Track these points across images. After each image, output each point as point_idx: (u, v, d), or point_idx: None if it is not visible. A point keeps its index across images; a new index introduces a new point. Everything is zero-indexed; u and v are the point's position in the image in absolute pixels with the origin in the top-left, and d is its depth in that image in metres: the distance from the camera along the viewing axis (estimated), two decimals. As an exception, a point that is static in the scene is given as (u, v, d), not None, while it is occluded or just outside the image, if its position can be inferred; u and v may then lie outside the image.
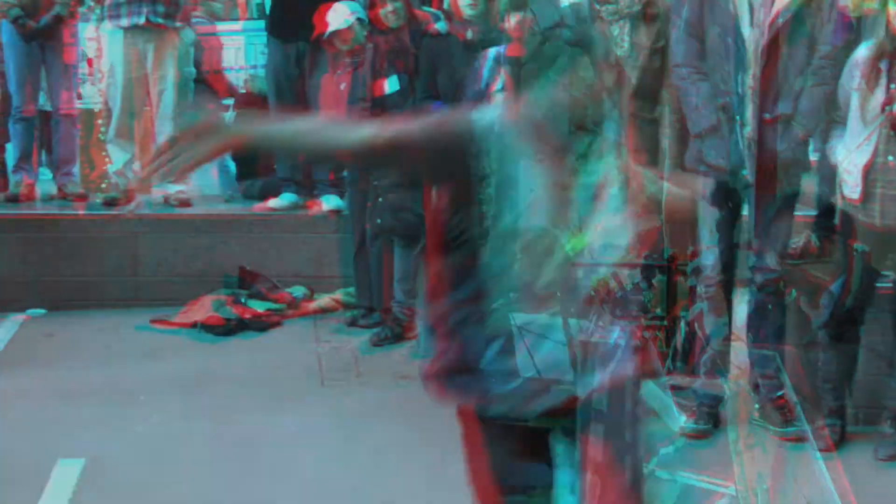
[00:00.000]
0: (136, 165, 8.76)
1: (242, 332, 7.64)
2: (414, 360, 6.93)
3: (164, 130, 8.61)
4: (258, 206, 8.56)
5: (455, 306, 3.10)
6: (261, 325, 7.71)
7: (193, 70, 8.97)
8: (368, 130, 3.02)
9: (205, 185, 9.50)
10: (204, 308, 7.78)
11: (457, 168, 2.99)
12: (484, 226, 3.01)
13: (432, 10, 7.52)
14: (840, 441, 5.38)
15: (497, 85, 6.08)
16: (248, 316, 7.72)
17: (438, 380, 3.15)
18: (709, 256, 5.52)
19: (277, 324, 7.80)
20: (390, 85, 7.03)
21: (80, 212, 8.51)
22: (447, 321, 3.12)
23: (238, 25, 10.00)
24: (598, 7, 5.72)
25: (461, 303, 3.09)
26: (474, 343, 3.08)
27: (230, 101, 9.30)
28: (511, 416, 3.09)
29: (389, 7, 6.95)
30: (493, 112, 3.09)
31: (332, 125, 3.27)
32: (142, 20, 8.36)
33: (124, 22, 8.38)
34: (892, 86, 5.03)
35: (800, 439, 5.42)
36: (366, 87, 7.16)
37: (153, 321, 7.83)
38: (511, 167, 2.99)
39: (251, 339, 7.55)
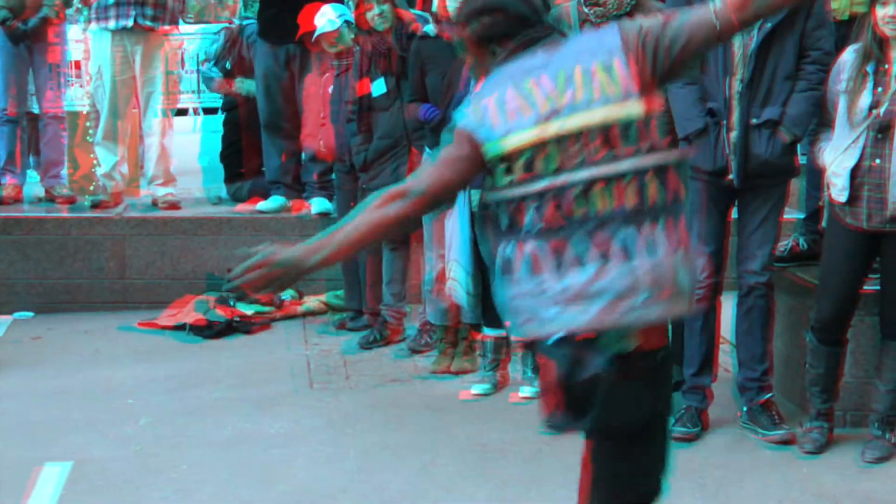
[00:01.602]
0: (124, 167, 8.76)
1: (231, 334, 7.64)
2: (399, 361, 6.94)
3: (151, 132, 8.61)
4: (246, 209, 8.55)
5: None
6: (249, 327, 7.71)
7: (182, 72, 8.95)
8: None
9: (193, 187, 9.50)
10: (189, 309, 7.77)
11: None
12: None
13: (421, 12, 7.52)
14: (827, 443, 5.38)
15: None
16: (236, 318, 7.72)
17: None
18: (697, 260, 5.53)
19: (266, 326, 7.81)
20: (377, 87, 7.02)
21: (68, 214, 8.49)
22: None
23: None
24: (585, 10, 5.72)
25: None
26: None
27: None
28: None
29: (376, 10, 6.94)
30: None
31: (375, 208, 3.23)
32: (130, 23, 8.35)
33: (112, 24, 8.37)
34: (879, 89, 5.05)
35: (787, 441, 5.43)
36: (351, 89, 7.16)
37: (140, 324, 7.83)
38: None
39: (240, 342, 7.55)
